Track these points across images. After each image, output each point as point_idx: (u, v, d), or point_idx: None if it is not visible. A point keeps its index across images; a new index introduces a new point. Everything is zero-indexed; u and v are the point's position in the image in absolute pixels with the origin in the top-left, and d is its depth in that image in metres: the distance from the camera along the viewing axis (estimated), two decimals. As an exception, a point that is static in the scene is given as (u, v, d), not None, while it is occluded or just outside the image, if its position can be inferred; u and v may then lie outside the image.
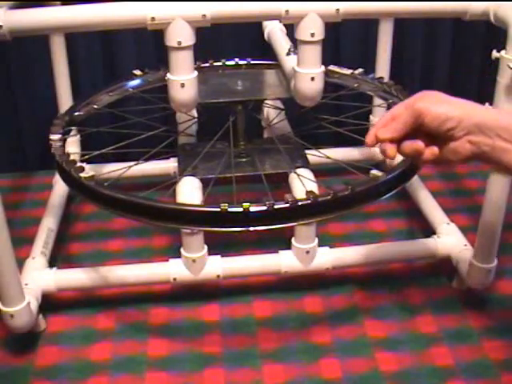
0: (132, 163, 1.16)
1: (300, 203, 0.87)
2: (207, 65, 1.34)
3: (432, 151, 0.67)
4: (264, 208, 0.86)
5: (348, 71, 1.27)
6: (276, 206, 0.86)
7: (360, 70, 1.26)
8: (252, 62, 1.34)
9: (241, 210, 0.86)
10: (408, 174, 0.95)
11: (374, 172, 0.91)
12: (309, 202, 0.87)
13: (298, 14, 0.94)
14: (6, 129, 1.59)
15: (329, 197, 0.87)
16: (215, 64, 1.34)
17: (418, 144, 0.67)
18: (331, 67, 1.27)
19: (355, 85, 1.25)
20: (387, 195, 0.92)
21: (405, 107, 0.67)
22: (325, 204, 0.88)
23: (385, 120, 0.68)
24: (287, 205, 0.86)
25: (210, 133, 1.16)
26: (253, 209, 0.86)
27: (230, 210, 0.86)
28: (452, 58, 1.66)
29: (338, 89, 1.29)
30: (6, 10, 0.89)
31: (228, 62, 1.35)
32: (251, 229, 0.87)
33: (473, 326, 1.12)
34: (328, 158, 1.22)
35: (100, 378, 1.03)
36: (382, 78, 1.28)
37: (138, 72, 1.30)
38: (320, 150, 1.22)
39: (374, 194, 0.92)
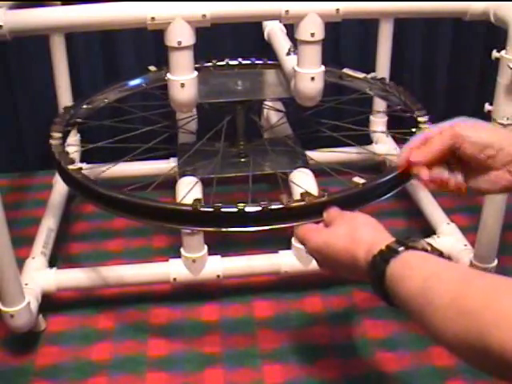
0: (129, 161, 1.15)
1: (294, 204, 0.87)
2: (209, 64, 1.34)
3: (459, 186, 0.65)
4: (260, 209, 0.86)
5: (361, 75, 1.27)
6: (272, 207, 0.86)
7: (373, 74, 1.27)
8: (256, 61, 1.35)
9: (237, 210, 0.86)
10: (408, 174, 0.95)
11: (356, 179, 0.89)
12: (303, 203, 0.87)
13: (297, 14, 0.93)
14: (6, 129, 1.59)
15: (323, 198, 0.87)
16: (218, 64, 1.34)
17: (446, 179, 0.66)
18: (345, 70, 1.27)
19: (367, 89, 1.26)
20: (387, 196, 0.92)
21: (441, 131, 0.65)
22: (320, 205, 0.88)
23: (417, 142, 0.67)
24: (282, 206, 0.86)
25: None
26: (249, 209, 0.86)
27: (225, 210, 0.86)
28: (452, 58, 1.66)
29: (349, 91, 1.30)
30: (6, 10, 0.89)
31: (231, 62, 1.35)
32: (249, 229, 0.87)
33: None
34: (311, 159, 1.21)
35: (100, 378, 1.03)
36: (394, 82, 1.27)
37: (152, 68, 1.31)
38: (321, 151, 1.22)
39: (373, 195, 0.92)
